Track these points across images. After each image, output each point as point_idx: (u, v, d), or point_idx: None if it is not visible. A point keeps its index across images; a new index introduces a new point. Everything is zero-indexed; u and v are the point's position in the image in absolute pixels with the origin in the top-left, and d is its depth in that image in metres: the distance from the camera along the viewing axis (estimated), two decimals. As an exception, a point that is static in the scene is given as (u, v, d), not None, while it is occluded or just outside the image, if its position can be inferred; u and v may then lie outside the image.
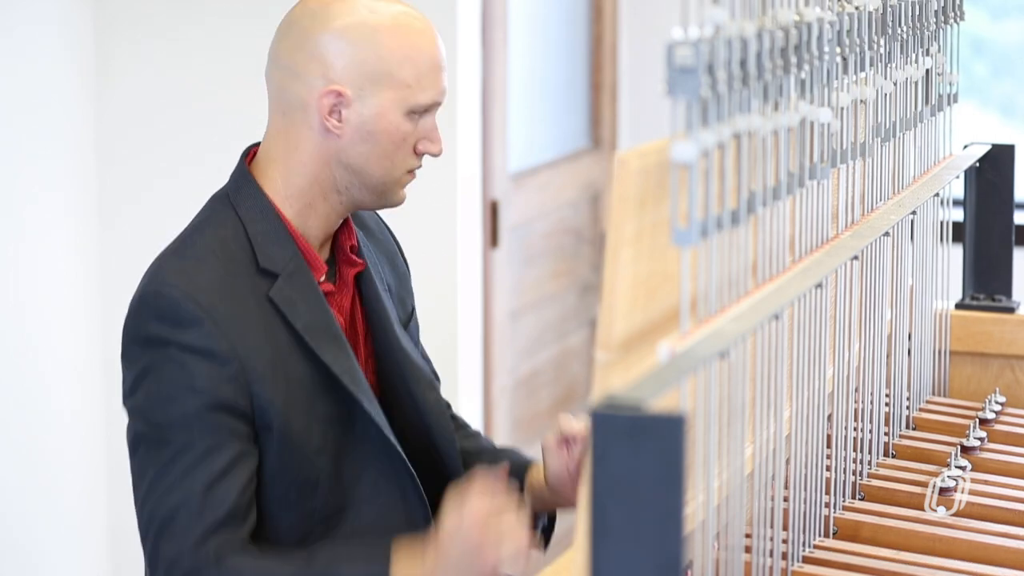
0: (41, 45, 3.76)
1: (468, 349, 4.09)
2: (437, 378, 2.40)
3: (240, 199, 2.19)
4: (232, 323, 2.10)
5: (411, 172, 2.21)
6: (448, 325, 3.97)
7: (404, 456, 2.20)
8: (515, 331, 4.39)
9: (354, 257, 2.27)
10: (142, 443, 2.13)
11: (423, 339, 2.47)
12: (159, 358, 2.10)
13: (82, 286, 3.90)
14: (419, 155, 2.20)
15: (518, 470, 2.36)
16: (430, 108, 2.19)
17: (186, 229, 2.22)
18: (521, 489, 2.33)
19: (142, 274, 2.19)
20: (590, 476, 1.34)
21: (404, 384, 2.27)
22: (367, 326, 2.28)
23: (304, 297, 2.16)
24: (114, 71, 3.94)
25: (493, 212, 4.21)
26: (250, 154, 2.24)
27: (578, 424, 2.24)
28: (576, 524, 1.55)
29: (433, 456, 2.27)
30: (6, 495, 3.70)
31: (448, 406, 2.42)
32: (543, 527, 2.37)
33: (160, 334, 2.10)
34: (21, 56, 3.70)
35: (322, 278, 2.21)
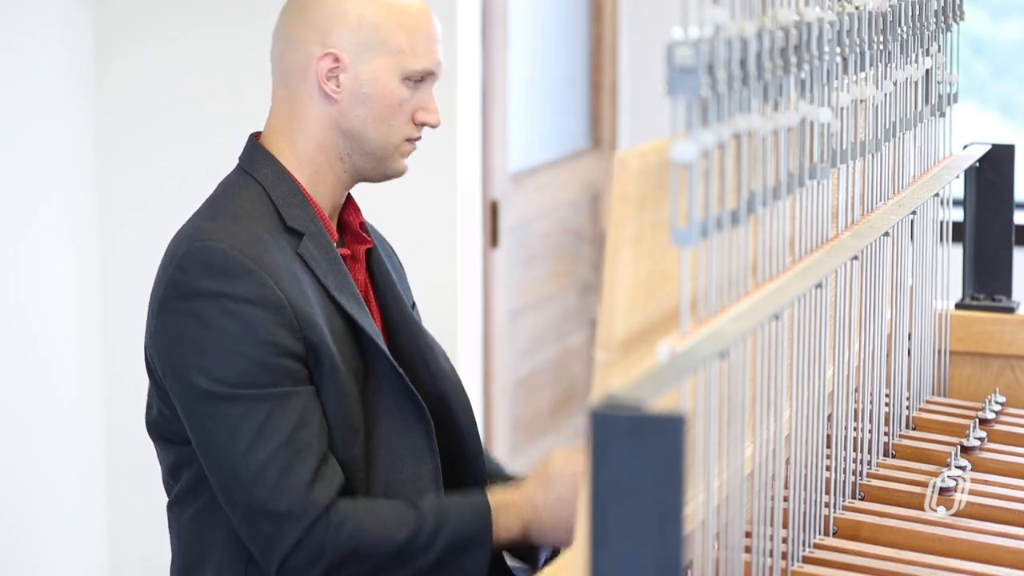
0: (41, 49, 3.76)
1: (468, 349, 4.10)
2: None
3: (255, 167, 2.26)
4: (277, 272, 2.15)
5: (410, 142, 2.28)
6: (448, 325, 3.97)
7: (423, 404, 2.25)
8: (515, 331, 4.39)
9: (364, 234, 2.33)
10: (200, 401, 2.14)
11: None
12: (214, 311, 2.13)
13: (83, 288, 3.90)
14: (417, 125, 2.27)
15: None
16: (425, 77, 2.26)
17: (207, 201, 2.28)
18: None
19: (165, 251, 2.22)
20: (590, 476, 1.34)
21: (419, 353, 2.32)
22: (379, 301, 2.33)
23: (326, 258, 2.22)
24: (114, 75, 3.94)
25: (493, 212, 4.21)
26: (256, 137, 2.31)
27: (573, 458, 2.26)
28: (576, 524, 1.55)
29: (450, 423, 2.32)
30: (6, 495, 3.70)
31: None
32: (546, 558, 2.39)
33: (211, 287, 2.13)
34: (22, 60, 3.70)
35: (336, 243, 2.27)
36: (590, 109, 4.93)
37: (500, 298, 4.25)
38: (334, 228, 2.28)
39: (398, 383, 2.24)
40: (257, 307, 2.13)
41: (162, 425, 2.25)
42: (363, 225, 2.34)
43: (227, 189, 2.26)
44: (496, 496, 2.21)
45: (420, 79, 2.25)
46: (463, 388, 2.37)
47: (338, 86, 2.24)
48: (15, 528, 3.73)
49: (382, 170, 2.29)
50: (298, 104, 2.26)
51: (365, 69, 2.23)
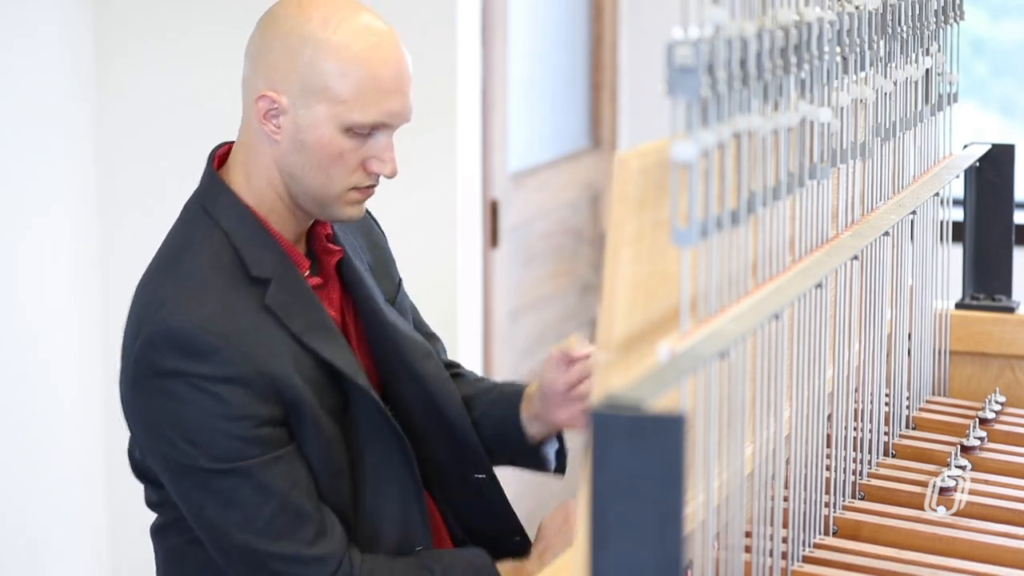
0: (41, 49, 3.75)
1: (468, 349, 4.10)
2: (436, 337, 2.43)
3: (216, 208, 2.18)
4: (246, 342, 2.10)
5: (360, 190, 2.17)
6: (448, 325, 3.97)
7: (403, 436, 2.23)
8: (515, 331, 4.39)
9: (331, 246, 2.26)
10: (188, 474, 2.11)
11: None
12: (185, 390, 2.09)
13: (82, 288, 3.90)
14: (370, 174, 2.16)
15: (515, 398, 2.38)
16: (377, 127, 2.14)
17: (168, 248, 2.20)
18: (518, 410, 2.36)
19: (132, 299, 2.18)
20: (590, 476, 1.34)
21: (400, 358, 2.29)
22: (355, 310, 2.29)
23: (297, 298, 2.16)
24: (114, 75, 3.93)
25: (493, 212, 4.21)
26: (216, 157, 2.24)
27: (585, 347, 2.28)
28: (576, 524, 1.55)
29: (441, 422, 2.31)
30: (6, 495, 3.70)
31: (453, 365, 2.46)
32: (556, 451, 2.39)
33: (181, 367, 2.09)
34: (22, 60, 3.70)
35: (307, 272, 2.21)
36: (590, 109, 4.93)
37: (500, 298, 4.25)
38: (302, 256, 2.21)
39: (382, 419, 2.21)
40: (229, 385, 2.08)
41: (140, 464, 2.23)
42: (330, 236, 2.26)
43: (187, 241, 2.17)
44: (506, 565, 2.23)
45: (372, 129, 2.14)
46: (450, 383, 2.34)
47: (278, 127, 2.14)
48: (15, 528, 3.73)
49: (328, 214, 2.19)
50: (251, 140, 2.18)
51: (304, 115, 2.12)
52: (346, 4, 2.16)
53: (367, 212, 2.37)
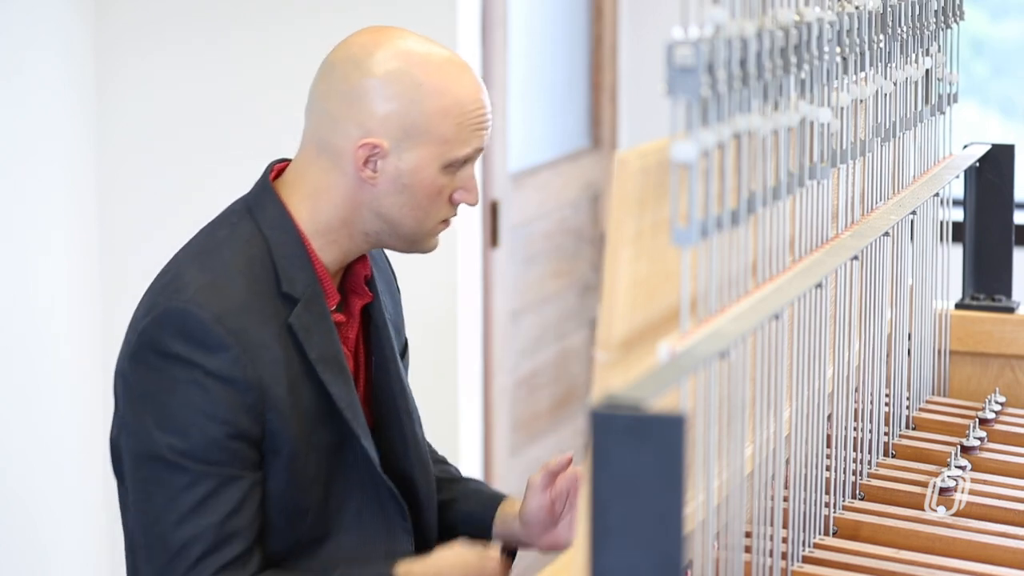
0: (42, 51, 3.76)
1: (468, 349, 4.10)
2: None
3: (263, 216, 2.16)
4: (256, 349, 2.09)
5: (445, 222, 2.19)
6: (448, 325, 3.97)
7: (393, 487, 2.21)
8: (515, 331, 4.39)
9: (366, 288, 2.25)
10: (149, 461, 2.10)
11: (423, 342, 2.47)
12: (182, 377, 2.08)
13: (82, 289, 3.90)
14: (454, 204, 2.18)
15: (491, 502, 2.36)
16: (469, 159, 2.16)
17: (206, 238, 2.18)
18: (491, 520, 2.35)
19: (156, 274, 2.17)
20: (590, 476, 1.34)
21: (396, 417, 2.27)
22: (367, 357, 2.27)
23: (319, 327, 2.14)
24: (114, 77, 3.94)
25: (493, 212, 4.21)
26: (274, 171, 2.20)
27: (564, 459, 2.26)
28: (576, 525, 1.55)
29: (410, 489, 2.27)
30: (6, 495, 3.70)
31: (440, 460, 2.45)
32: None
33: (184, 354, 2.08)
34: (22, 62, 3.70)
35: (333, 307, 2.19)
36: (590, 109, 4.93)
37: (500, 298, 4.25)
38: (335, 289, 2.19)
39: (371, 465, 2.19)
40: (225, 385, 2.07)
41: (118, 452, 2.20)
42: (368, 278, 2.25)
43: (230, 237, 2.15)
44: (404, 565, 2.16)
45: (464, 161, 2.15)
46: (429, 464, 2.31)
47: (375, 171, 2.12)
48: (15, 528, 3.73)
49: (412, 249, 2.20)
50: (329, 177, 2.14)
51: (406, 158, 2.12)
52: (414, 38, 2.16)
53: (389, 264, 2.37)
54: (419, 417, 2.32)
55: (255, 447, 2.10)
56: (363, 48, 2.14)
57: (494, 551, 2.19)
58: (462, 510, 2.36)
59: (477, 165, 4.25)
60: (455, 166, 2.14)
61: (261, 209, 2.16)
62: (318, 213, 2.16)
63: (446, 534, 2.33)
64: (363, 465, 2.19)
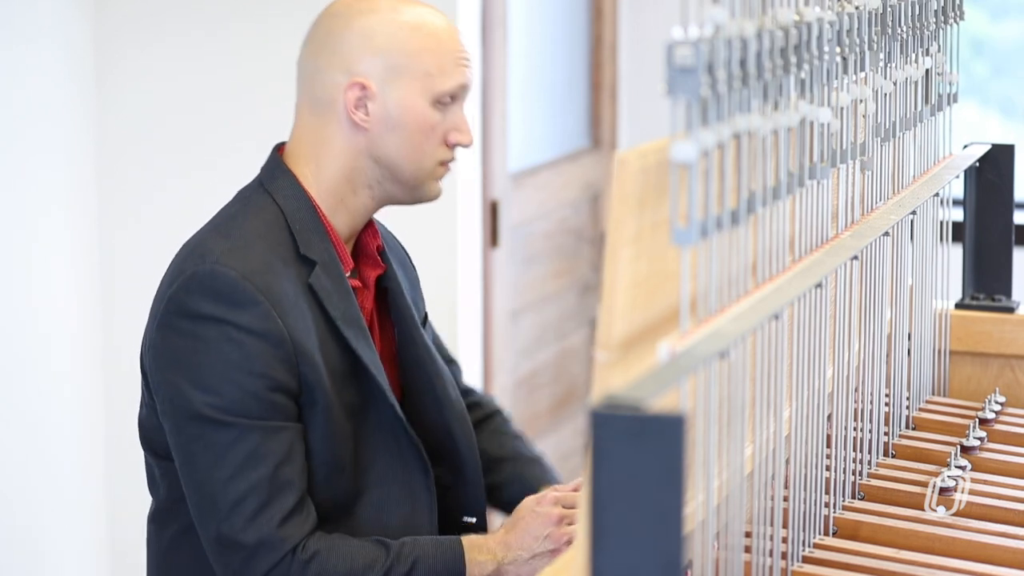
0: (42, 49, 3.76)
1: (468, 349, 4.10)
2: (455, 362, 2.46)
3: (276, 187, 2.22)
4: (284, 305, 2.13)
5: (444, 164, 2.24)
6: (448, 325, 3.97)
7: (419, 443, 2.24)
8: (515, 331, 4.39)
9: (379, 258, 2.30)
10: (191, 422, 2.13)
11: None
12: (215, 336, 2.11)
13: (83, 289, 3.90)
14: (450, 146, 2.23)
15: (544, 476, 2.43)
16: (456, 96, 2.22)
17: (222, 213, 2.24)
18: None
19: (155, 269, 2.19)
20: (590, 476, 1.34)
21: (427, 380, 2.31)
22: (390, 324, 2.31)
23: (338, 289, 2.20)
24: (114, 75, 3.94)
25: (493, 212, 4.21)
26: (279, 151, 2.27)
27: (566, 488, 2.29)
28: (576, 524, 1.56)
29: (452, 451, 2.31)
30: (6, 495, 3.70)
31: (492, 402, 2.52)
32: None
33: (215, 313, 2.11)
34: (22, 60, 3.70)
35: (348, 273, 2.24)
36: (590, 109, 4.93)
37: (500, 298, 4.25)
38: (349, 255, 2.25)
39: (397, 423, 2.23)
40: (258, 339, 2.11)
41: (148, 430, 2.24)
42: (380, 249, 2.31)
43: (245, 207, 2.22)
44: (470, 537, 2.21)
45: (450, 99, 2.22)
46: (467, 419, 2.35)
47: (367, 115, 2.20)
48: (15, 528, 3.73)
49: (416, 195, 2.25)
50: (326, 131, 2.22)
51: (394, 95, 2.19)
52: None
53: (403, 248, 2.42)
54: (451, 379, 2.36)
55: (293, 399, 2.14)
56: (342, 3, 2.24)
57: (545, 503, 2.21)
58: (519, 472, 2.43)
59: (477, 163, 4.27)
60: (443, 102, 2.21)
61: (272, 181, 2.23)
62: (322, 172, 2.22)
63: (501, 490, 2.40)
64: (388, 425, 2.22)
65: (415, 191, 2.24)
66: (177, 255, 2.20)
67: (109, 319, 3.92)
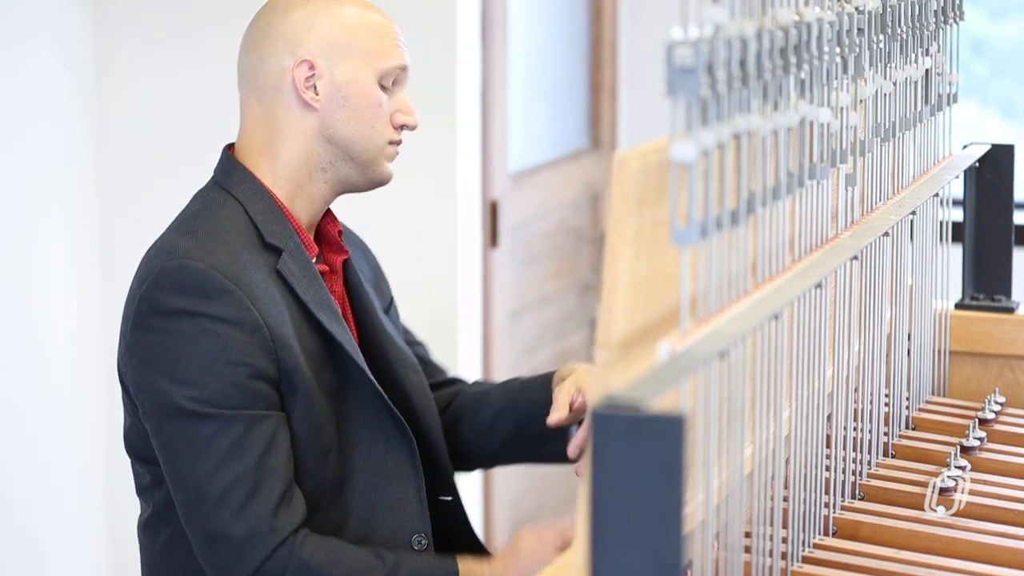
0: (41, 49, 3.76)
1: (468, 349, 4.10)
2: (422, 344, 2.47)
3: (232, 183, 2.24)
4: (255, 292, 2.14)
5: (392, 144, 2.27)
6: (448, 325, 3.97)
7: (402, 420, 2.25)
8: (515, 331, 4.39)
9: (342, 245, 2.32)
10: (172, 418, 2.13)
11: (420, 334, 2.50)
12: (189, 329, 2.11)
13: (82, 288, 3.90)
14: (397, 127, 2.27)
15: (544, 381, 2.42)
16: (398, 78, 2.27)
17: (183, 215, 2.26)
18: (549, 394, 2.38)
19: (140, 262, 2.21)
20: (590, 476, 1.34)
21: (389, 366, 2.32)
22: (354, 314, 2.33)
23: (305, 273, 2.21)
24: (114, 75, 3.94)
25: (493, 212, 4.21)
26: (229, 150, 2.30)
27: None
28: (576, 524, 1.55)
29: (419, 436, 2.31)
30: (6, 495, 3.70)
31: (457, 380, 2.52)
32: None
33: (187, 307, 2.12)
34: (22, 60, 3.70)
35: (314, 259, 2.25)
36: (590, 109, 4.93)
37: (500, 298, 4.25)
38: (312, 242, 2.27)
39: (379, 401, 2.23)
40: (233, 327, 2.11)
41: (133, 438, 2.25)
42: (341, 234, 2.33)
43: (205, 205, 2.24)
44: (466, 564, 2.21)
45: (393, 82, 2.26)
46: (432, 400, 2.37)
47: (316, 93, 2.23)
48: (15, 528, 3.73)
49: (369, 175, 2.28)
50: (276, 118, 2.25)
51: (340, 72, 2.24)
52: None
53: (358, 237, 2.44)
54: (414, 363, 2.37)
55: (274, 386, 2.14)
56: (278, 0, 2.30)
57: (547, 532, 2.23)
58: (522, 401, 2.42)
59: (476, 164, 4.27)
60: (386, 82, 2.26)
61: (228, 178, 2.26)
62: (277, 159, 2.25)
63: (516, 435, 2.41)
64: (370, 405, 2.23)
65: (368, 170, 2.27)
66: (143, 259, 2.21)
67: (109, 319, 3.91)
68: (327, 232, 2.32)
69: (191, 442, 2.11)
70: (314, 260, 2.25)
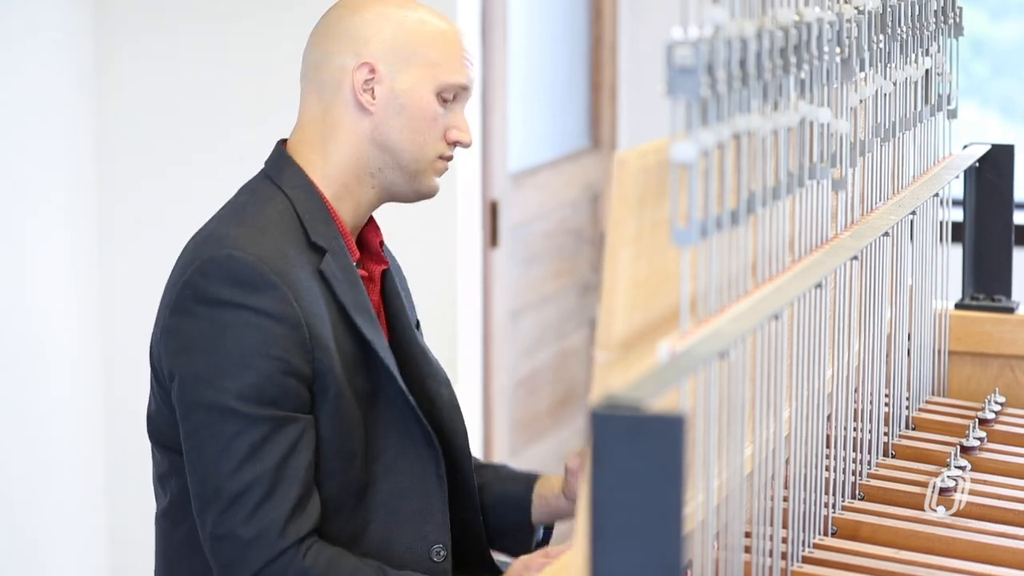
0: (42, 49, 3.76)
1: (468, 349, 4.10)
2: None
3: (283, 178, 2.24)
4: (299, 289, 2.14)
5: (443, 159, 2.27)
6: (448, 325, 3.97)
7: (430, 430, 2.25)
8: (515, 331, 4.39)
9: (382, 255, 2.33)
10: (202, 410, 2.13)
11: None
12: (232, 320, 2.12)
13: (82, 287, 3.90)
14: (450, 143, 2.26)
15: (527, 481, 2.43)
16: (458, 96, 2.26)
17: (230, 205, 2.26)
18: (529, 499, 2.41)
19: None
20: (590, 476, 1.34)
21: (420, 378, 2.31)
22: (389, 323, 2.33)
23: (347, 276, 2.21)
24: (114, 74, 3.94)
25: (493, 212, 4.21)
26: (282, 145, 2.29)
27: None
28: (576, 524, 1.55)
29: (445, 449, 2.30)
30: (6, 495, 3.70)
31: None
32: (539, 539, 2.42)
33: (233, 298, 2.12)
34: (22, 60, 3.70)
35: (355, 264, 2.25)
36: (590, 109, 4.93)
37: (500, 298, 4.25)
38: (355, 247, 2.27)
39: (408, 410, 2.23)
40: (276, 322, 2.11)
41: (159, 424, 2.24)
42: (382, 244, 2.33)
43: (254, 197, 2.24)
44: None
45: (453, 97, 2.25)
46: (461, 416, 2.36)
47: (373, 97, 2.23)
48: (15, 528, 3.73)
49: (415, 186, 2.27)
50: (331, 117, 2.24)
51: (401, 80, 2.23)
52: None
53: (392, 253, 2.43)
54: (446, 379, 2.37)
55: (306, 385, 2.14)
56: (345, 2, 2.29)
57: (535, 564, 2.22)
58: (498, 491, 2.43)
59: (477, 163, 4.27)
60: (445, 97, 2.25)
61: (278, 172, 2.25)
62: (329, 157, 2.25)
63: (484, 516, 2.40)
64: (399, 413, 2.23)
65: (414, 181, 2.26)
66: (188, 245, 2.21)
67: (109, 318, 3.91)
68: (369, 240, 2.31)
69: (216, 438, 2.11)
70: (355, 264, 2.25)
